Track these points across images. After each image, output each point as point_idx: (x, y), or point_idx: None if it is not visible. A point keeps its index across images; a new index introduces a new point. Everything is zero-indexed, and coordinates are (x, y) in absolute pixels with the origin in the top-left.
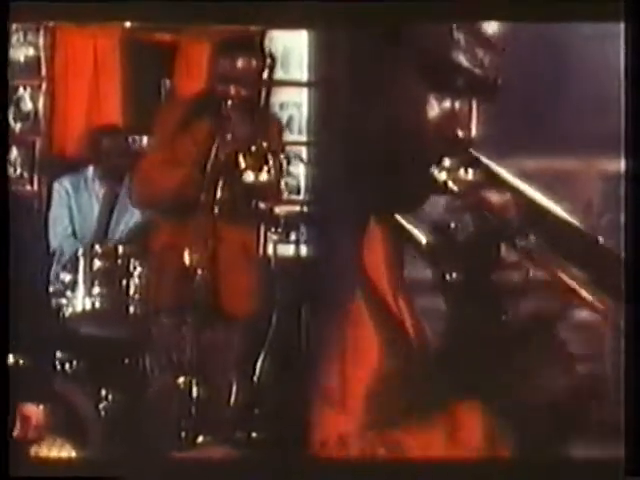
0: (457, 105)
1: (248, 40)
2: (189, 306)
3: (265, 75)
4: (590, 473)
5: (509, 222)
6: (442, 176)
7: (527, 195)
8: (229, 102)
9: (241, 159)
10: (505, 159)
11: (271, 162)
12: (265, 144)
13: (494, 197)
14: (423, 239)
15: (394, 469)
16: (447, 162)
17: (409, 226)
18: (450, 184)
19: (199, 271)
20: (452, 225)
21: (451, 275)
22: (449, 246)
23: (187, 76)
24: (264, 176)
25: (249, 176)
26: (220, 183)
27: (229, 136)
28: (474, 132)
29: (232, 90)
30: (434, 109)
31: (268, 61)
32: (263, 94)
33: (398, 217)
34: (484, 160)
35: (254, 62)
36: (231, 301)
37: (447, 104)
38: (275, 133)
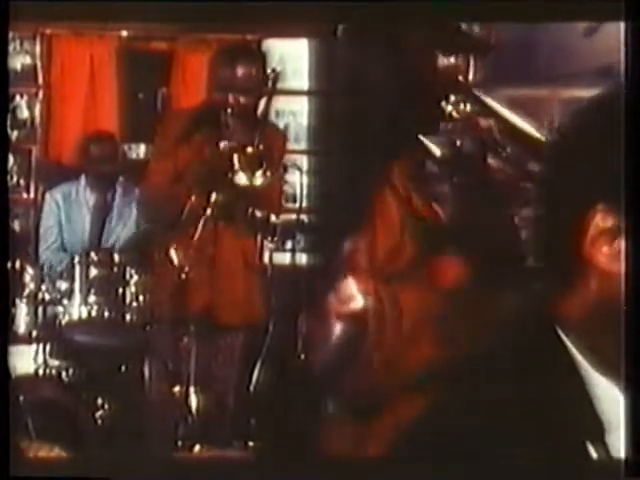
0: (459, 59)
1: (248, 48)
2: (186, 316)
3: (268, 84)
4: (590, 473)
5: (493, 139)
6: (448, 108)
7: (505, 119)
8: (229, 110)
9: (236, 160)
10: (494, 91)
11: (265, 166)
12: (262, 147)
13: (483, 122)
14: (438, 152)
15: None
16: (452, 98)
17: (428, 143)
18: (454, 114)
19: (196, 280)
20: (457, 143)
21: (454, 177)
22: (455, 157)
23: (183, 85)
24: (258, 180)
25: (241, 178)
26: (218, 192)
27: (228, 144)
28: (471, 78)
29: (231, 98)
30: (441, 62)
31: (270, 70)
32: (264, 103)
33: (421, 137)
34: (479, 95)
35: (254, 70)
36: (228, 310)
37: (451, 59)
38: (279, 144)
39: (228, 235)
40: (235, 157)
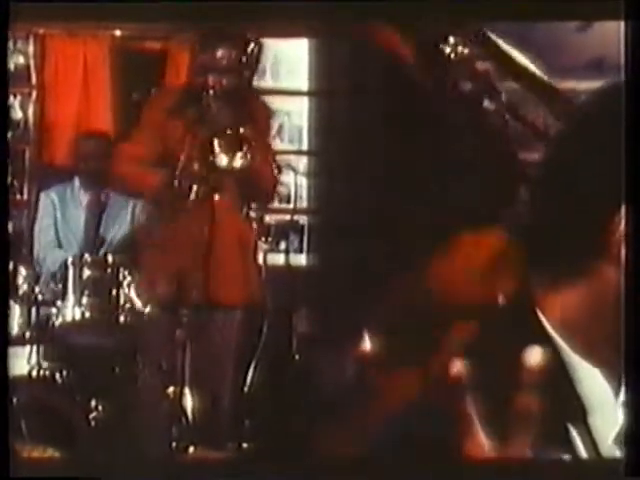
0: None
1: (227, 31)
2: (182, 303)
3: (246, 61)
4: (590, 473)
5: (490, 83)
6: (447, 50)
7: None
8: (210, 92)
9: (216, 143)
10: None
11: (246, 147)
12: (242, 130)
13: (480, 65)
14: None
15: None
16: (451, 40)
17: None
18: (452, 56)
19: (192, 264)
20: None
21: (452, 118)
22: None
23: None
24: (238, 162)
25: (222, 160)
26: (204, 173)
27: (210, 125)
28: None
29: (211, 80)
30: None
31: (251, 48)
32: (247, 78)
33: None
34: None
35: (234, 51)
36: (225, 291)
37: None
38: (262, 119)
39: (222, 214)
40: (215, 141)
